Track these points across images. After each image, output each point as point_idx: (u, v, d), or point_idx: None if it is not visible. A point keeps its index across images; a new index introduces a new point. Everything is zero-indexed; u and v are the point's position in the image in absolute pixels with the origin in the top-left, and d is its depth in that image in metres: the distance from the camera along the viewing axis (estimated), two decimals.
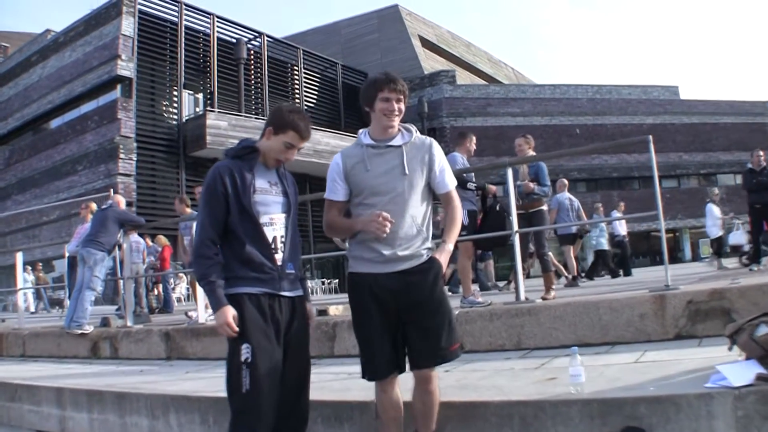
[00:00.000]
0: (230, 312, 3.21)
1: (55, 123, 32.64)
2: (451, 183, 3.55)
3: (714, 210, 14.48)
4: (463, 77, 44.72)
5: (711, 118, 42.31)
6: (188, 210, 10.64)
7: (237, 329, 3.21)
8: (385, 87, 3.40)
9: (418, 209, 3.41)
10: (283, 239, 3.40)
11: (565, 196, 12.91)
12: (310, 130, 3.46)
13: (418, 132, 3.55)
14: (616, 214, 17.08)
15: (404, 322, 3.38)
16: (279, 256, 3.37)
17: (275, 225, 3.38)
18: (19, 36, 46.36)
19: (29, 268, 23.23)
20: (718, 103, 43.53)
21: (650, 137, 6.30)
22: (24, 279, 22.48)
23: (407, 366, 3.45)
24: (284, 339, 3.35)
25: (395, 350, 3.41)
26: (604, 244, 15.79)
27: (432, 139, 3.57)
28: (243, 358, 3.21)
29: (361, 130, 3.57)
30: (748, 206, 11.16)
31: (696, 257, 35.93)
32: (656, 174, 6.70)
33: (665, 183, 38.73)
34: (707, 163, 41.78)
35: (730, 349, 3.78)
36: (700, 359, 4.32)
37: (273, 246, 3.35)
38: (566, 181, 13.49)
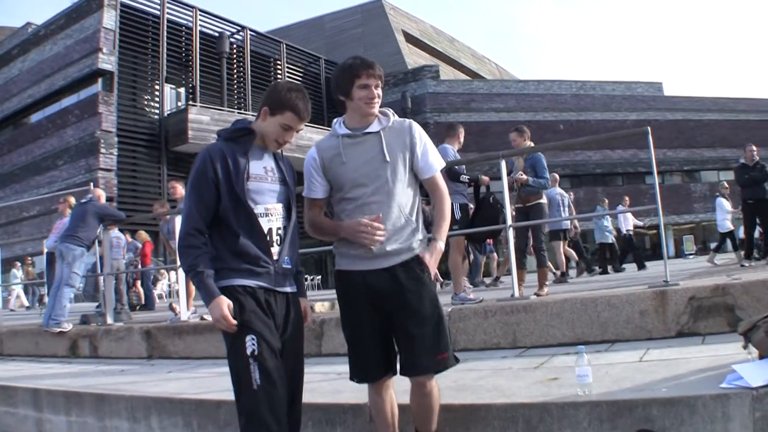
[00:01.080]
0: (224, 302, 2.90)
1: (35, 117, 32.22)
2: (435, 166, 3.26)
3: (724, 203, 14.30)
4: (447, 72, 44.64)
5: (695, 115, 42.48)
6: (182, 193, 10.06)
7: (235, 322, 2.89)
8: (363, 72, 3.13)
9: (404, 197, 3.16)
10: (279, 231, 3.10)
11: (557, 191, 12.76)
12: (310, 110, 3.15)
13: (395, 115, 3.29)
14: (621, 208, 16.99)
15: (393, 324, 3.14)
16: (275, 250, 3.08)
17: (271, 216, 3.08)
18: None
19: (18, 263, 22.87)
20: (701, 99, 43.72)
21: (648, 129, 6.13)
22: (14, 275, 22.20)
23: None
24: (280, 337, 3.05)
25: (386, 352, 3.19)
26: (610, 238, 15.81)
27: (412, 121, 3.30)
28: (249, 351, 2.87)
29: (335, 120, 3.30)
30: (741, 201, 11.06)
31: (679, 254, 36.02)
32: (655, 167, 6.53)
33: (648, 179, 38.88)
34: (690, 159, 41.95)
35: (745, 347, 3.62)
36: (707, 358, 4.17)
37: (269, 238, 3.06)
38: (557, 176, 13.34)
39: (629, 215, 16.83)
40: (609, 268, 15.79)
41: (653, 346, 4.96)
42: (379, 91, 3.17)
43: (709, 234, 42.73)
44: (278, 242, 3.09)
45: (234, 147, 3.05)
